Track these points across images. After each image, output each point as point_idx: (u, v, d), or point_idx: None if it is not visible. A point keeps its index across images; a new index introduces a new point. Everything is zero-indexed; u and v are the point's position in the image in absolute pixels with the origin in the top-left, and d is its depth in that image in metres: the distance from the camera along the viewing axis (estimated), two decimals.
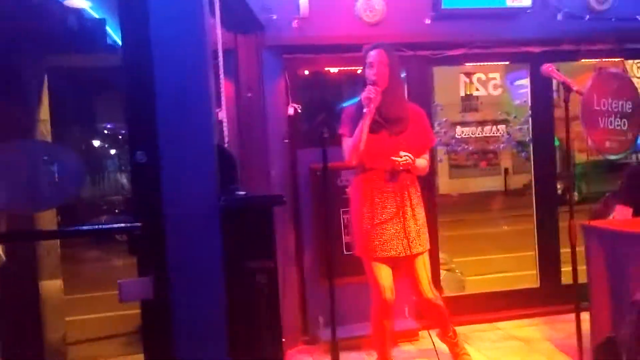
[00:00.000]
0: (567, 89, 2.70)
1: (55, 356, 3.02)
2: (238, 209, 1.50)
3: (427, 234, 3.21)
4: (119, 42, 1.62)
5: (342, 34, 3.97)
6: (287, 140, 4.06)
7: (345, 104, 3.37)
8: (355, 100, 3.20)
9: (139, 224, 1.52)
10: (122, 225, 1.61)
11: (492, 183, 17.12)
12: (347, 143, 3.11)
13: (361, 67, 3.19)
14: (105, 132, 17.28)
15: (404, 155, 3.00)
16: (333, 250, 2.94)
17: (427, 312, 3.37)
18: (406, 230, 3.05)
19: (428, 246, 3.21)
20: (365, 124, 2.98)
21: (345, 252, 4.12)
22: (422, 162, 3.15)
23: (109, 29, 3.18)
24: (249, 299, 1.43)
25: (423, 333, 4.02)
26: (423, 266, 3.16)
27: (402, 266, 3.19)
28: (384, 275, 3.13)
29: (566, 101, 2.69)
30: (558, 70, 2.99)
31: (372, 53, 3.08)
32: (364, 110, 2.98)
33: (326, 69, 4.49)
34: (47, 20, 2.88)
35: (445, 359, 3.58)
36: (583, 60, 4.50)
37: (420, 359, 3.70)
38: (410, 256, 3.11)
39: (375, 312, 3.22)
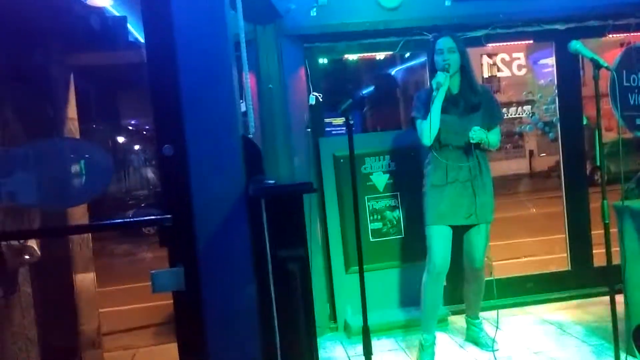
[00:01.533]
0: (597, 66, 2.64)
1: (90, 346, 3.09)
2: (269, 197, 1.50)
3: (494, 207, 3.40)
4: (141, 39, 1.64)
5: (361, 21, 3.94)
6: (309, 129, 4.06)
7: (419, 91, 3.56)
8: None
9: (169, 216, 1.53)
10: (153, 217, 1.63)
11: (517, 166, 16.93)
12: (420, 126, 3.30)
13: (429, 54, 3.41)
14: (130, 128, 17.50)
15: (478, 130, 3.19)
16: (360, 238, 2.95)
17: (469, 283, 3.56)
18: (475, 201, 3.26)
19: (492, 218, 3.39)
20: (437, 107, 3.21)
21: (372, 240, 4.13)
22: (494, 137, 3.34)
23: (130, 27, 3.21)
24: (282, 288, 1.44)
25: (453, 318, 4.02)
26: (484, 236, 3.37)
27: (464, 233, 3.41)
28: (443, 240, 3.31)
29: (596, 79, 2.63)
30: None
31: (441, 40, 3.30)
32: (434, 93, 3.20)
33: (346, 56, 4.47)
34: (71, 19, 2.91)
35: (470, 345, 3.59)
36: (610, 35, 4.38)
37: (450, 344, 3.69)
38: (474, 225, 3.32)
39: (428, 278, 3.35)
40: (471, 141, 3.20)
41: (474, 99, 3.31)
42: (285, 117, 3.91)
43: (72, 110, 3.12)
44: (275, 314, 1.47)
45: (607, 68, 2.65)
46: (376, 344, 3.68)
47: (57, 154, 1.99)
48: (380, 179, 4.16)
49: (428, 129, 3.21)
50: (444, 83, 3.21)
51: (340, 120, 4.66)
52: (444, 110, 3.25)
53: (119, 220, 1.67)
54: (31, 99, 2.72)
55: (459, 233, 3.41)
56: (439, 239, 3.31)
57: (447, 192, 3.28)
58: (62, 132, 2.95)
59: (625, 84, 4.24)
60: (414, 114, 3.39)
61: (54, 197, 1.98)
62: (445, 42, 3.29)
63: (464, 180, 3.27)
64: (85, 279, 3.07)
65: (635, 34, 4.36)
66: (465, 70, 3.33)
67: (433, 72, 3.34)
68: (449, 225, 3.33)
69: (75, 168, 1.93)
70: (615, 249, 2.89)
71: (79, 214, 2.89)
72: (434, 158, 3.35)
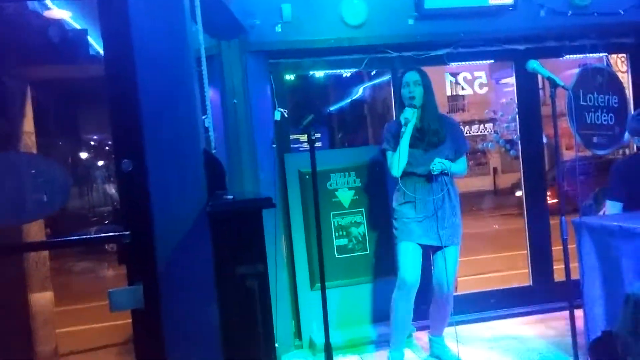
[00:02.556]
0: (553, 85, 2.71)
1: None
2: (226, 214, 1.48)
3: (461, 231, 3.48)
4: (102, 52, 1.61)
5: (326, 37, 3.97)
6: (274, 145, 4.05)
7: (388, 122, 3.72)
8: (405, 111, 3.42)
9: (127, 233, 1.50)
10: (111, 234, 1.59)
11: (481, 182, 17.19)
12: (391, 159, 3.43)
13: (398, 88, 3.54)
14: (92, 143, 17.17)
15: (438, 162, 3.32)
16: (325, 254, 2.94)
17: (437, 307, 3.57)
18: (444, 224, 3.35)
19: (459, 241, 3.48)
20: (404, 143, 3.35)
21: (337, 256, 4.12)
22: (459, 166, 3.48)
23: (90, 39, 3.15)
24: (240, 305, 1.42)
25: (417, 334, 4.02)
26: (454, 260, 3.45)
27: (434, 254, 3.48)
28: (413, 256, 3.36)
29: (552, 97, 2.70)
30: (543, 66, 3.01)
31: (407, 74, 3.47)
32: (403, 129, 3.34)
33: (312, 72, 4.49)
34: (28, 32, 2.85)
35: None
36: (567, 56, 4.52)
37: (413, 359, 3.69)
38: (443, 248, 3.38)
39: (399, 295, 3.38)
40: (432, 173, 3.33)
41: (439, 132, 3.43)
42: (251, 132, 3.89)
43: (29, 124, 3.05)
44: (235, 331, 1.44)
45: (563, 87, 2.73)
46: None
47: (12, 168, 1.93)
48: (346, 195, 4.17)
49: (397, 163, 3.34)
50: (412, 119, 3.35)
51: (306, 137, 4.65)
52: (411, 144, 3.37)
53: (76, 237, 1.62)
54: None
55: (429, 254, 3.48)
56: (408, 256, 3.35)
57: (417, 222, 3.37)
58: (18, 146, 2.86)
59: (582, 103, 4.37)
60: (384, 146, 3.50)
61: (7, 212, 1.91)
62: (411, 76, 3.44)
63: (432, 213, 3.36)
64: (41, 298, 2.97)
65: (591, 55, 4.51)
66: (429, 105, 3.45)
67: (401, 105, 3.47)
68: (419, 244, 3.38)
69: (30, 183, 1.88)
70: (574, 264, 2.95)
71: (35, 231, 2.80)
72: (401, 188, 3.43)
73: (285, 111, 4.13)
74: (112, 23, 1.57)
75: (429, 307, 3.64)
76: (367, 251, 4.17)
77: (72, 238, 1.65)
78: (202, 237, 1.58)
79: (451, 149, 3.45)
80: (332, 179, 4.13)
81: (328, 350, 2.82)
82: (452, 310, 3.54)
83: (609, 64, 4.66)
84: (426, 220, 3.37)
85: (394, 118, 3.85)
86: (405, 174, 3.41)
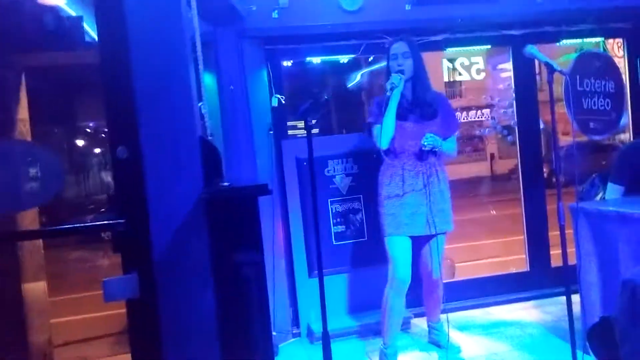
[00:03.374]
0: (550, 70, 2.69)
1: (41, 358, 2.98)
2: (222, 201, 1.47)
3: (452, 215, 3.37)
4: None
5: (323, 23, 3.94)
6: (271, 132, 4.03)
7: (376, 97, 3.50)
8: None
9: (122, 221, 1.48)
10: (105, 222, 1.58)
11: (479, 168, 17.23)
12: (376, 130, 3.24)
13: (386, 60, 3.35)
14: (88, 130, 17.09)
15: (430, 137, 3.16)
16: (322, 241, 2.93)
17: (428, 293, 3.55)
18: (432, 209, 3.23)
19: (451, 228, 3.36)
20: (391, 108, 3.15)
21: (334, 243, 4.12)
22: (450, 145, 3.34)
23: (86, 26, 3.12)
24: (237, 293, 1.41)
25: (415, 320, 4.04)
26: (441, 246, 3.35)
27: (422, 243, 3.38)
28: (404, 252, 3.26)
29: (550, 82, 2.68)
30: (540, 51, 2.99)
31: (395, 45, 3.28)
32: (389, 93, 3.15)
33: (309, 58, 4.46)
34: (23, 19, 2.82)
35: (432, 347, 3.62)
36: (564, 41, 4.50)
37: (413, 348, 3.70)
38: (432, 235, 3.28)
39: (391, 290, 3.30)
40: (423, 148, 3.18)
41: (430, 106, 3.28)
42: (247, 119, 3.87)
43: (23, 112, 3.02)
44: (231, 320, 1.44)
45: (560, 72, 2.71)
46: (341, 348, 3.67)
47: (5, 156, 1.92)
48: (343, 182, 4.16)
49: (383, 132, 3.17)
50: (399, 84, 3.16)
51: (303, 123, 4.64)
52: (400, 117, 3.21)
53: (69, 226, 1.61)
54: None
55: (416, 242, 3.36)
56: (399, 251, 3.25)
57: (404, 203, 3.23)
58: (12, 134, 2.84)
59: (579, 88, 4.35)
60: (370, 120, 3.34)
61: (1, 200, 1.90)
62: (399, 47, 3.27)
63: (420, 189, 3.23)
64: (35, 288, 2.96)
65: (588, 39, 4.49)
66: (420, 76, 3.29)
67: (389, 76, 3.27)
68: (408, 236, 3.28)
69: (24, 171, 1.86)
70: (571, 249, 2.96)
71: (29, 219, 2.78)
72: (388, 165, 3.30)
73: (282, 97, 4.11)
74: (107, 9, 1.55)
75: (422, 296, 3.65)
76: (365, 238, 4.17)
77: (66, 227, 1.64)
78: (198, 224, 1.57)
79: (441, 126, 3.29)
80: (330, 165, 4.12)
81: (326, 338, 2.82)
82: (443, 293, 3.51)
83: (605, 49, 4.64)
84: (414, 203, 3.21)
85: None
86: (394, 152, 3.26)
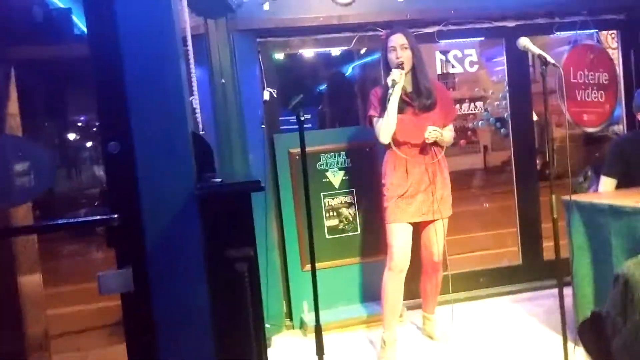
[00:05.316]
0: (544, 62, 2.69)
1: (37, 349, 2.97)
2: (215, 197, 1.46)
3: (451, 201, 3.45)
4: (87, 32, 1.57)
5: (315, 15, 3.92)
6: (263, 125, 4.01)
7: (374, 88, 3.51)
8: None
9: (115, 216, 1.48)
10: (99, 218, 1.57)
11: (472, 161, 17.24)
12: (377, 124, 3.28)
13: (382, 52, 3.37)
14: (79, 124, 17.00)
15: (433, 130, 3.20)
16: (315, 235, 2.93)
17: (428, 277, 3.59)
18: (434, 196, 3.30)
19: (450, 213, 3.45)
20: (393, 105, 3.17)
21: (328, 236, 4.12)
22: (448, 133, 3.38)
23: (75, 18, 3.09)
24: (230, 287, 1.41)
25: (408, 313, 4.05)
26: (442, 230, 3.41)
27: (424, 227, 3.44)
28: (404, 239, 3.31)
29: (543, 75, 2.68)
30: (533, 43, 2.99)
31: (393, 37, 3.28)
32: (390, 91, 3.15)
33: (301, 51, 4.44)
34: (10, 11, 2.78)
35: (426, 339, 3.64)
36: (558, 33, 4.49)
37: (407, 339, 3.71)
38: (433, 220, 3.36)
39: (389, 276, 3.34)
40: (427, 141, 3.23)
41: (429, 97, 3.30)
42: (239, 113, 3.85)
43: (13, 106, 2.98)
44: (224, 314, 1.44)
45: (553, 65, 2.71)
46: (333, 340, 3.67)
47: None
48: (336, 176, 4.15)
49: (385, 128, 3.21)
50: (399, 80, 3.17)
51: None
52: (400, 109, 3.23)
53: (63, 221, 1.60)
54: None
55: (417, 227, 3.43)
56: (399, 237, 3.30)
57: (408, 192, 3.29)
58: (2, 129, 2.81)
59: (572, 80, 4.36)
60: (371, 112, 3.35)
61: None
62: (397, 39, 3.27)
63: (423, 178, 3.29)
64: (30, 281, 2.95)
65: (581, 31, 4.49)
66: (418, 67, 3.32)
67: (387, 69, 3.29)
68: (409, 222, 3.33)
69: (14, 166, 1.84)
70: (563, 242, 2.97)
71: (22, 213, 2.76)
72: (392, 156, 3.34)
73: (274, 91, 4.09)
74: (96, 1, 1.53)
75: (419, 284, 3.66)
76: (357, 231, 4.17)
77: (59, 222, 1.63)
78: (191, 220, 1.56)
79: (440, 115, 3.34)
80: (323, 159, 4.11)
81: (318, 330, 2.83)
82: (441, 282, 3.56)
83: (599, 41, 4.64)
84: (418, 194, 3.28)
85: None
86: (396, 143, 3.29)
